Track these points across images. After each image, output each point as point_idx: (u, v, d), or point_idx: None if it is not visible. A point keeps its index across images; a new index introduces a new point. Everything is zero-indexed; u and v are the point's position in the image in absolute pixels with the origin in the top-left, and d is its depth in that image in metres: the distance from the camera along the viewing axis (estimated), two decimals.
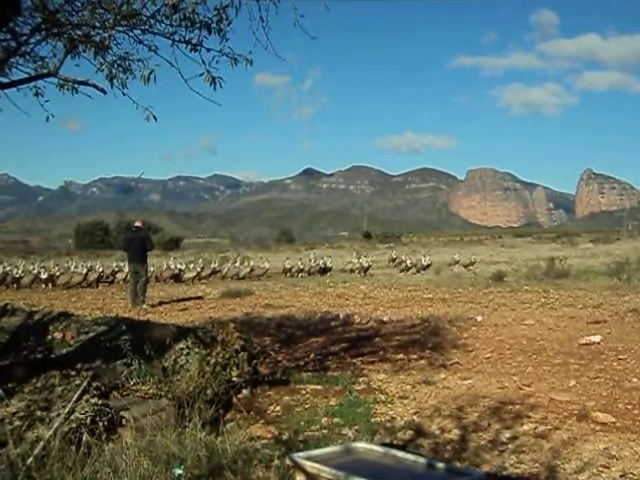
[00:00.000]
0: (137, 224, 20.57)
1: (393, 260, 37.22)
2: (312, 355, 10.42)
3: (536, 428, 6.58)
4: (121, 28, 6.68)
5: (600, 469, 5.54)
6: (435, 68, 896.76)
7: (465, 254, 40.38)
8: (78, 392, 6.17)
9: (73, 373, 6.84)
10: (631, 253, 33.45)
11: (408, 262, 31.74)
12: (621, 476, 5.41)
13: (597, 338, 11.04)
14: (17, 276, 25.77)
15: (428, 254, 36.47)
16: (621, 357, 9.82)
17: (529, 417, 6.92)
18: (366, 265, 31.06)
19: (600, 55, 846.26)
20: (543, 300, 17.09)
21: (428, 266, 31.63)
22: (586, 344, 10.80)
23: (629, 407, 7.33)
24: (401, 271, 31.13)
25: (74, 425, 5.64)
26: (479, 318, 13.88)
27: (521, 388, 8.21)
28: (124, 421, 5.95)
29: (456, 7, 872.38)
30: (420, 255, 35.08)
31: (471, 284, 22.60)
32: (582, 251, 49.72)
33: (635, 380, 8.48)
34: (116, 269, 27.81)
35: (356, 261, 31.81)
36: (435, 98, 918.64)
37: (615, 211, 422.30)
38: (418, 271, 30.66)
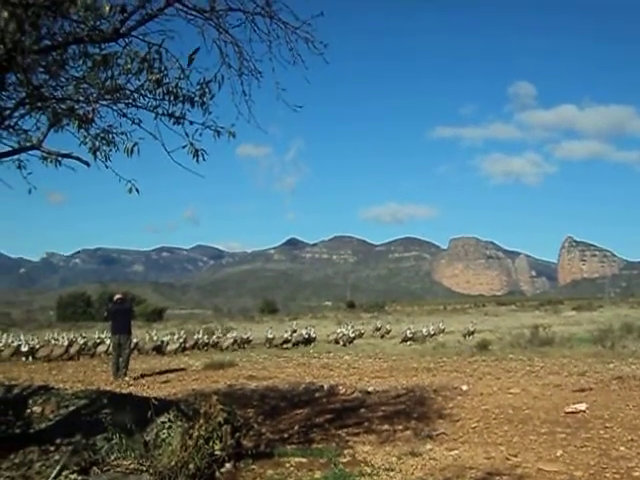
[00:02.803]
0: (118, 296, 20.44)
1: (378, 329, 37.13)
2: (296, 427, 10.29)
3: None
4: (105, 102, 6.79)
5: None
6: (416, 139, 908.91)
7: (451, 323, 40.39)
8: (57, 468, 6.05)
9: (52, 448, 6.71)
10: (614, 320, 33.61)
11: (408, 332, 31.27)
12: None
13: (583, 406, 11.00)
14: None
15: (420, 323, 36.41)
16: (607, 425, 9.77)
17: None
18: (352, 335, 30.90)
19: (577, 125, 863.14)
20: (528, 368, 17.04)
21: (432, 335, 31.66)
22: (572, 412, 10.74)
23: (617, 476, 7.25)
24: (402, 341, 30.71)
25: None
26: (464, 387, 13.81)
27: (508, 458, 8.12)
28: None
29: (435, 79, 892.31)
30: (404, 324, 34.93)
31: (456, 353, 22.51)
32: (565, 319, 49.83)
33: (622, 449, 8.41)
34: (98, 341, 27.50)
35: (340, 331, 31.65)
36: (416, 168, 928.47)
37: (597, 278, 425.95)
38: (404, 341, 30.47)
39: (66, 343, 26.19)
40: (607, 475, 7.31)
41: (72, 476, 5.97)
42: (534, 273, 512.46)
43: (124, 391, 13.51)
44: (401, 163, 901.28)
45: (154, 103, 6.85)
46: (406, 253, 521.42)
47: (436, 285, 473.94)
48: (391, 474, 7.55)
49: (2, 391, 8.75)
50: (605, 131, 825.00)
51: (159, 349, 27.12)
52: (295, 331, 32.46)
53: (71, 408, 8.15)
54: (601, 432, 9.40)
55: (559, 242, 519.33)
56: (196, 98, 6.79)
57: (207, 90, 6.77)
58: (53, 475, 5.91)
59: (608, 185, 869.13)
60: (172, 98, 6.76)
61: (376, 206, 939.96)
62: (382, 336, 35.47)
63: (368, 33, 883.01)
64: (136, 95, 6.82)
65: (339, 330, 32.08)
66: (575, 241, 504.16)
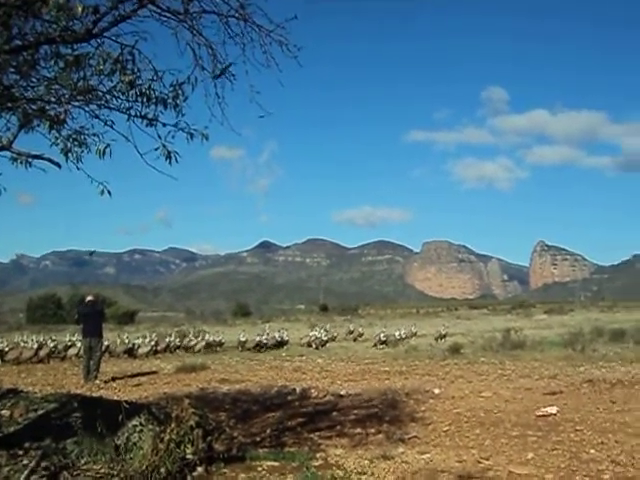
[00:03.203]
0: (90, 298, 20.18)
1: (351, 332, 37.17)
2: (268, 430, 10.26)
3: None
4: (77, 103, 6.74)
5: None
6: (390, 142, 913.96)
7: (424, 326, 40.54)
8: (25, 472, 5.98)
9: (21, 452, 6.63)
10: (585, 324, 33.95)
11: (382, 335, 31.05)
12: None
13: (554, 409, 11.09)
14: None
15: (396, 326, 36.48)
16: (578, 428, 9.85)
17: None
18: (325, 338, 30.86)
19: (549, 130, 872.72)
20: (499, 372, 17.14)
21: (405, 338, 31.58)
22: (543, 415, 10.82)
23: (587, 479, 7.31)
24: (374, 345, 30.58)
25: None
26: (436, 391, 13.85)
27: (479, 461, 8.16)
28: None
29: (409, 83, 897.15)
30: (377, 327, 34.95)
31: (428, 356, 22.58)
32: (537, 322, 50.24)
33: (592, 451, 8.48)
34: (69, 344, 27.20)
35: (312, 334, 31.60)
36: (390, 172, 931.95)
37: (568, 282, 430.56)
38: (377, 344, 30.42)
39: (36, 346, 25.90)
40: (577, 478, 7.37)
41: None
42: (506, 277, 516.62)
43: (95, 394, 13.40)
44: (375, 166, 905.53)
45: (127, 105, 6.81)
46: (379, 256, 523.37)
47: (409, 288, 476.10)
48: (363, 478, 7.55)
49: None
50: (576, 136, 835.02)
51: (131, 352, 26.90)
52: (268, 334, 32.41)
53: (40, 412, 8.06)
54: (572, 435, 9.48)
55: (531, 246, 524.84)
56: (169, 100, 6.76)
57: (180, 92, 6.75)
58: (22, 479, 5.84)
59: (579, 190, 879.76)
60: (145, 100, 6.72)
61: (350, 209, 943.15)
62: (355, 339, 35.51)
63: (342, 37, 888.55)
64: (108, 96, 6.78)
65: (312, 333, 32.03)
66: (547, 245, 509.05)
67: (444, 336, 32.00)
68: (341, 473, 7.70)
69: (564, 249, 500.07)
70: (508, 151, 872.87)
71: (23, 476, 5.89)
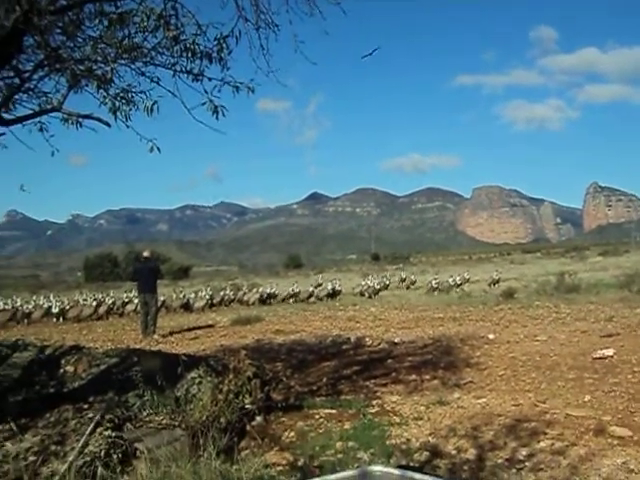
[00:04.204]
0: (145, 254, 20.55)
1: (403, 280, 37.19)
2: (325, 379, 10.37)
3: (553, 445, 6.52)
4: (123, 61, 6.75)
5: None
6: (437, 88, 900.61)
7: (476, 272, 40.35)
8: (91, 425, 6.16)
9: (86, 406, 6.84)
10: None
11: (434, 283, 31.11)
12: None
13: (610, 352, 10.98)
14: (28, 311, 25.80)
15: (455, 273, 36.39)
16: (635, 370, 9.75)
17: (545, 434, 6.86)
18: (377, 287, 30.95)
19: (600, 68, 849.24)
20: (554, 315, 17.01)
21: (458, 285, 31.53)
22: (600, 358, 10.73)
23: None
24: (427, 292, 30.63)
25: (88, 459, 5.63)
26: (491, 336, 13.82)
27: (536, 405, 8.15)
28: (138, 453, 5.92)
29: (455, 27, 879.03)
30: (429, 275, 34.88)
31: (481, 302, 22.50)
32: (591, 265, 49.54)
33: None
34: (126, 300, 27.77)
35: (365, 283, 31.68)
36: (438, 118, 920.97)
37: (623, 223, 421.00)
38: (429, 291, 30.43)
39: (95, 303, 26.54)
40: (635, 419, 7.33)
41: (106, 432, 6.08)
42: (559, 220, 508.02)
43: (154, 348, 13.68)
44: (422, 113, 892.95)
45: (172, 60, 6.80)
46: (429, 204, 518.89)
47: (460, 235, 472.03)
48: (420, 423, 7.62)
49: (35, 352, 8.89)
50: (629, 74, 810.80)
51: (187, 306, 27.38)
52: (320, 285, 32.59)
53: (102, 367, 8.28)
54: (629, 377, 9.40)
55: (584, 188, 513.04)
56: (214, 54, 6.73)
57: (224, 45, 6.70)
58: (88, 432, 6.02)
59: (633, 128, 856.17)
60: (190, 55, 6.70)
61: (398, 157, 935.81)
62: (407, 287, 35.57)
63: None
64: (154, 53, 6.77)
65: (364, 282, 32.15)
66: (600, 186, 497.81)
67: (497, 281, 31.87)
68: (397, 419, 7.78)
69: (618, 190, 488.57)
70: (559, 91, 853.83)
71: (89, 429, 6.07)
